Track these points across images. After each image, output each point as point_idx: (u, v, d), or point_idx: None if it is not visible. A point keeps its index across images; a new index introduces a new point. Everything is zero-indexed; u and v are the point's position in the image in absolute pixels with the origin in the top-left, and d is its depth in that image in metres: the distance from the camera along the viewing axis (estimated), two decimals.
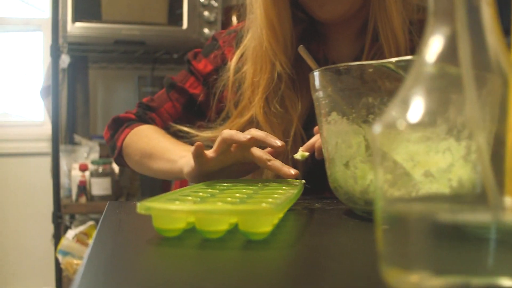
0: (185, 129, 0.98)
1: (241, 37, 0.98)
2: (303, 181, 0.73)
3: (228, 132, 0.72)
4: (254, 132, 0.74)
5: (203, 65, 1.01)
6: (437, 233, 0.31)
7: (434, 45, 0.34)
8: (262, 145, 0.74)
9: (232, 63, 0.95)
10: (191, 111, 1.03)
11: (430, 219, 0.31)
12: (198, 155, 0.72)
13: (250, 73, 0.92)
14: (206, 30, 2.11)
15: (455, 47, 0.34)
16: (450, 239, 0.32)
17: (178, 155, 0.86)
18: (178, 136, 0.99)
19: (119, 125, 1.04)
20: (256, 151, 0.74)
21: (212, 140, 0.93)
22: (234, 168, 0.78)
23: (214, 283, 0.36)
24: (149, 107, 1.05)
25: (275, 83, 0.88)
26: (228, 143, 0.72)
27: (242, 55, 0.95)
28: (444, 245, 0.32)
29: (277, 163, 0.73)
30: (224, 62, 0.99)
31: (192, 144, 0.98)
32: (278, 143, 0.72)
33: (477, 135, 0.35)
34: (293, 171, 0.72)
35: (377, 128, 0.34)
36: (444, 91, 0.35)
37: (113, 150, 1.04)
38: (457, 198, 0.38)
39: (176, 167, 0.84)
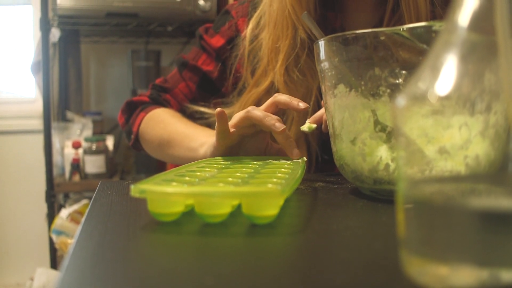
0: (201, 109, 0.96)
1: (255, 5, 0.94)
2: (305, 158, 0.70)
3: (255, 113, 0.69)
4: (278, 97, 0.72)
5: (216, 40, 0.98)
6: (473, 219, 0.27)
7: (466, 6, 0.30)
8: (286, 108, 0.73)
9: (248, 30, 0.92)
10: (206, 89, 1.00)
11: (466, 202, 0.27)
12: (222, 123, 0.70)
13: (268, 39, 0.89)
14: (201, 2, 2.05)
15: (491, 7, 0.30)
16: (486, 226, 0.28)
17: (199, 143, 0.83)
18: (195, 117, 0.97)
19: (133, 108, 1.01)
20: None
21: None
22: (250, 145, 0.77)
23: (215, 274, 0.33)
24: (163, 89, 1.02)
25: (297, 50, 0.86)
26: (252, 122, 0.70)
27: (258, 22, 0.92)
28: (479, 233, 0.28)
29: (289, 142, 0.71)
30: (237, 32, 0.96)
31: (209, 125, 0.95)
32: (302, 105, 0.71)
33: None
34: (295, 153, 0.70)
35: (401, 101, 0.30)
36: (474, 61, 0.31)
37: (129, 136, 1.01)
38: (486, 178, 0.34)
39: (198, 156, 0.81)
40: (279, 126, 0.68)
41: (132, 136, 0.99)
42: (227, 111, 0.92)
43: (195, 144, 0.83)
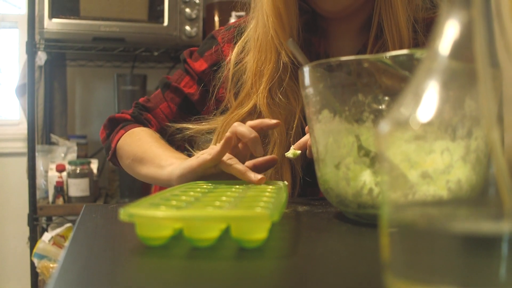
0: (183, 124, 0.97)
1: (241, 31, 0.97)
2: (286, 182, 0.71)
3: (230, 161, 0.71)
4: (250, 123, 0.75)
5: (199, 64, 1.00)
6: (456, 242, 0.28)
7: (447, 35, 0.31)
8: (261, 131, 0.75)
9: (234, 54, 0.94)
10: (186, 110, 1.02)
11: (449, 226, 0.28)
12: (225, 148, 0.71)
13: (252, 63, 0.91)
14: (187, 27, 2.07)
15: (470, 36, 0.31)
16: (469, 248, 0.28)
17: (168, 162, 0.84)
18: (174, 135, 0.99)
19: (115, 125, 1.03)
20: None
21: (209, 131, 0.94)
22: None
23: None
24: (145, 108, 1.04)
25: (279, 73, 0.87)
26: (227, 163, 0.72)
27: (244, 46, 0.94)
28: (462, 255, 0.28)
29: (239, 167, 0.71)
30: (222, 57, 0.98)
31: (189, 141, 0.97)
32: (274, 121, 0.75)
33: (491, 132, 0.31)
34: (258, 178, 0.69)
35: (384, 127, 0.31)
36: (455, 88, 0.32)
37: (107, 151, 1.03)
38: (468, 202, 0.35)
39: (164, 174, 0.82)
40: (274, 120, 0.72)
41: (110, 152, 1.01)
42: (208, 126, 0.94)
43: (165, 163, 0.84)
